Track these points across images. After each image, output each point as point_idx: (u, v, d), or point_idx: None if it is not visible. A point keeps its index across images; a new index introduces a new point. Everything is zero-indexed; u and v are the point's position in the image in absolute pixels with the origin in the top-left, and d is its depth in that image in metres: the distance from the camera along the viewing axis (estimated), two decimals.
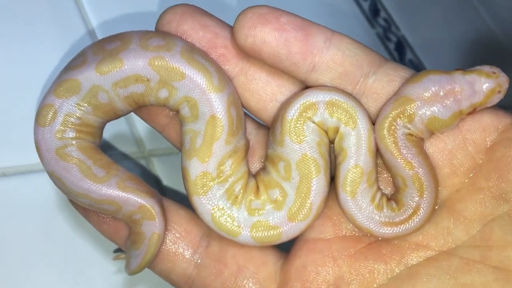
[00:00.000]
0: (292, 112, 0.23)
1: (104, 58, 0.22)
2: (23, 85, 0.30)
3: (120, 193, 0.24)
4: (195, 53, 0.23)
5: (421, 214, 0.23)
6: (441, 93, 0.22)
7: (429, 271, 0.23)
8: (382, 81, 0.23)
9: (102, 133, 0.25)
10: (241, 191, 0.24)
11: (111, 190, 0.23)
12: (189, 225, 0.25)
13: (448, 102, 0.22)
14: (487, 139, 0.22)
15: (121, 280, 0.28)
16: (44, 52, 0.31)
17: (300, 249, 0.24)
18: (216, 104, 0.23)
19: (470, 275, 0.22)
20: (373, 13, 0.43)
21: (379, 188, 0.23)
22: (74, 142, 0.23)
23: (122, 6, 0.35)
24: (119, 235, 0.25)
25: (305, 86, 0.24)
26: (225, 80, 0.23)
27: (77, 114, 0.23)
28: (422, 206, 0.23)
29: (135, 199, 0.24)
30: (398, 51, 0.43)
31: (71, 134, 0.23)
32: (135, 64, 0.22)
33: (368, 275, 0.23)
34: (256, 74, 0.24)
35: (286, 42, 0.22)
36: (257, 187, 0.24)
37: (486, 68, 0.22)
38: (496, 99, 0.22)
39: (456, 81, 0.22)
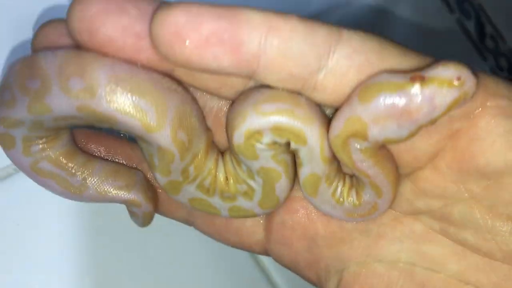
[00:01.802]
0: (237, 138, 0.21)
1: (32, 102, 0.21)
2: None
3: (101, 197, 0.25)
4: (122, 90, 0.20)
5: (379, 211, 0.23)
6: (396, 114, 0.19)
7: (395, 234, 0.24)
8: (334, 75, 0.20)
9: (70, 129, 0.24)
10: (211, 185, 0.24)
11: (92, 197, 0.25)
12: None
13: (404, 123, 0.19)
14: (453, 127, 0.21)
15: None
16: None
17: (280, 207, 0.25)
18: (159, 140, 0.21)
19: (430, 245, 0.23)
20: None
21: (340, 179, 0.23)
22: (43, 155, 0.23)
23: None
24: None
25: None
26: (164, 106, 0.21)
27: (33, 135, 0.23)
28: (380, 204, 0.23)
29: (116, 198, 0.25)
30: None
31: (37, 148, 0.23)
32: (63, 109, 0.20)
33: (339, 230, 0.24)
34: None
35: (214, 59, 0.19)
36: (226, 178, 0.24)
37: (450, 73, 0.19)
38: (462, 105, 0.19)
39: (413, 99, 0.19)
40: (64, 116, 0.21)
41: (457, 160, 0.21)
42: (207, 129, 0.23)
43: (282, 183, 0.23)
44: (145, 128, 0.20)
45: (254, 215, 0.25)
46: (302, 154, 0.21)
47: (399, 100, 0.19)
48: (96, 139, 0.26)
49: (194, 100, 0.22)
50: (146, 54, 0.20)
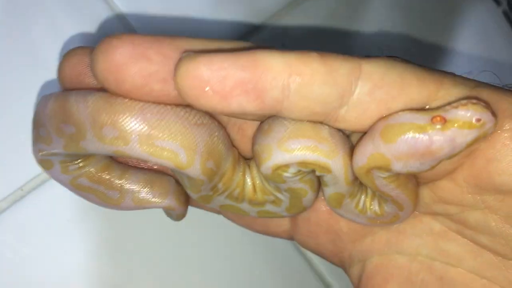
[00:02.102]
0: (265, 170, 0.22)
1: (68, 143, 0.22)
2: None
3: (138, 207, 0.26)
4: (153, 137, 0.21)
5: (401, 220, 0.24)
6: (418, 155, 0.20)
7: (414, 231, 0.25)
8: (356, 110, 0.21)
9: None
10: (239, 195, 0.25)
11: (130, 207, 0.26)
12: None
13: (426, 161, 0.20)
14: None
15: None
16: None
17: None
18: (190, 174, 0.22)
19: (448, 242, 0.24)
20: None
21: (363, 191, 0.24)
22: (81, 172, 0.25)
23: None
24: None
25: None
26: (194, 144, 0.22)
27: (69, 159, 0.24)
28: (402, 216, 0.24)
29: (152, 206, 0.26)
30: None
31: (74, 167, 0.24)
32: (99, 152, 0.22)
33: (361, 228, 0.26)
34: None
35: (239, 107, 0.19)
36: (254, 190, 0.25)
37: (470, 114, 0.19)
38: (481, 142, 0.20)
39: (434, 141, 0.20)
40: (99, 155, 0.22)
41: (474, 177, 0.22)
42: (232, 148, 0.24)
43: (308, 197, 0.24)
44: (177, 167, 0.22)
45: (282, 217, 0.26)
46: (327, 179, 0.22)
47: (421, 142, 0.20)
48: None
49: (220, 125, 0.23)
50: (173, 96, 0.21)
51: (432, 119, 0.20)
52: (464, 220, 0.23)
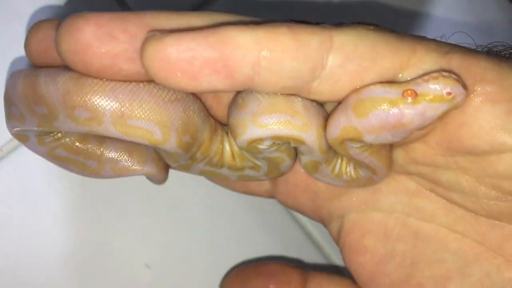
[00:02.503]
0: (240, 143, 0.22)
1: (41, 123, 0.22)
2: None
3: (117, 175, 0.26)
4: (127, 117, 0.21)
5: (376, 182, 0.25)
6: (389, 127, 0.20)
7: (389, 189, 0.26)
8: (328, 82, 0.20)
9: None
10: (219, 162, 0.25)
11: (109, 175, 0.26)
12: None
13: (397, 133, 0.21)
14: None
15: None
16: None
17: None
18: (167, 148, 0.22)
19: (422, 200, 0.25)
20: None
21: (338, 158, 0.24)
22: (57, 143, 0.25)
23: None
24: None
25: None
26: (168, 120, 0.22)
27: (44, 133, 0.24)
28: (376, 179, 0.24)
29: (131, 174, 0.27)
30: None
31: (50, 139, 0.24)
32: (72, 131, 0.22)
33: (340, 188, 0.26)
34: None
35: (210, 85, 0.19)
36: (233, 156, 0.25)
37: (441, 86, 0.19)
38: (452, 113, 0.21)
39: (405, 115, 0.20)
40: (72, 134, 0.22)
41: (446, 140, 0.22)
42: (209, 118, 0.24)
43: (286, 164, 0.24)
44: (152, 144, 0.22)
45: (261, 180, 0.27)
46: (302, 149, 0.23)
47: (392, 116, 0.20)
48: None
49: (195, 97, 0.23)
50: (143, 74, 0.20)
51: (403, 93, 0.20)
52: (437, 180, 0.24)
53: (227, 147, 0.25)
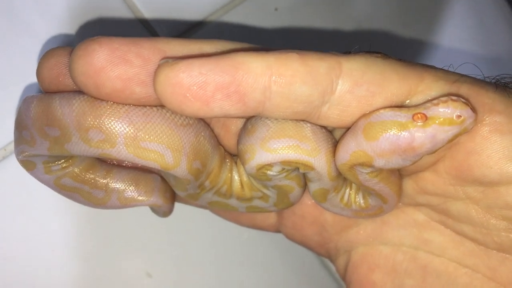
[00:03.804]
0: (249, 169, 0.22)
1: (52, 146, 0.22)
2: None
3: (124, 205, 0.26)
4: (139, 139, 0.21)
5: (385, 212, 0.25)
6: (400, 151, 0.20)
7: (398, 222, 0.26)
8: (338, 107, 0.21)
9: None
10: (227, 191, 0.25)
11: (115, 206, 0.26)
12: None
13: (408, 156, 0.20)
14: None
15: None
16: None
17: None
18: (177, 174, 0.22)
19: (431, 232, 0.25)
20: None
21: (347, 185, 0.24)
22: (65, 171, 0.24)
23: None
24: None
25: None
26: (179, 144, 0.22)
27: (52, 159, 0.24)
28: (386, 208, 0.24)
29: (138, 205, 0.26)
30: None
31: (57, 167, 0.24)
32: (84, 154, 0.22)
33: (346, 219, 0.26)
34: None
35: (221, 110, 0.20)
36: (242, 186, 0.25)
37: (450, 111, 0.20)
38: (462, 136, 0.21)
39: (416, 138, 0.20)
40: (82, 159, 0.22)
41: (455, 169, 0.22)
42: (219, 146, 0.24)
43: (295, 193, 0.24)
44: (163, 168, 0.22)
45: (270, 211, 0.27)
46: (311, 175, 0.23)
47: (403, 139, 0.20)
48: None
49: (206, 124, 0.23)
50: (154, 98, 0.21)
51: (413, 116, 0.20)
52: (446, 211, 0.24)
53: (236, 177, 0.25)
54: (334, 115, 0.21)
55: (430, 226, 0.25)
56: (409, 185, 0.24)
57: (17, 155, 0.24)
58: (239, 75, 0.19)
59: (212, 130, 0.24)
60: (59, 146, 0.22)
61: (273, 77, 0.19)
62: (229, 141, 0.24)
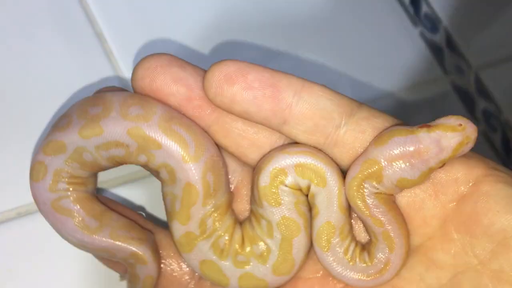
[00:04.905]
0: (264, 179, 0.23)
1: (87, 124, 0.23)
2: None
3: (112, 242, 0.25)
4: (174, 122, 0.24)
5: (392, 268, 0.23)
6: (408, 155, 0.22)
7: None
8: (354, 131, 0.23)
9: (96, 180, 0.26)
10: (227, 245, 0.25)
11: (104, 240, 0.25)
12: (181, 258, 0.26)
13: (416, 163, 0.22)
14: (459, 190, 0.23)
15: None
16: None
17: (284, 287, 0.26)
18: (191, 173, 0.24)
19: None
20: None
21: (352, 239, 0.24)
22: (68, 193, 0.25)
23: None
24: (120, 268, 0.27)
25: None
26: (203, 147, 0.24)
27: (66, 169, 0.24)
28: (393, 261, 0.23)
29: (127, 247, 0.26)
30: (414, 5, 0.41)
31: (63, 186, 0.25)
32: (114, 132, 0.23)
33: None
34: (232, 123, 0.24)
35: (254, 101, 0.23)
36: (243, 240, 0.25)
37: (452, 121, 0.22)
38: (466, 149, 0.22)
39: (421, 141, 0.22)
40: (109, 143, 0.23)
41: (464, 221, 0.22)
42: (230, 191, 0.25)
43: (300, 239, 0.24)
44: (182, 157, 0.23)
45: (266, 286, 0.25)
46: (320, 199, 0.23)
47: (410, 142, 0.22)
48: (114, 206, 0.27)
49: (224, 161, 0.25)
50: (193, 104, 0.24)
51: (418, 126, 0.23)
52: (457, 286, 0.23)
53: (239, 231, 0.25)
54: (349, 140, 0.24)
55: None
56: (418, 260, 0.23)
57: (35, 155, 0.24)
58: (277, 76, 0.23)
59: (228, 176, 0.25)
60: (94, 123, 0.23)
61: (304, 88, 0.23)
62: (239, 203, 0.25)
